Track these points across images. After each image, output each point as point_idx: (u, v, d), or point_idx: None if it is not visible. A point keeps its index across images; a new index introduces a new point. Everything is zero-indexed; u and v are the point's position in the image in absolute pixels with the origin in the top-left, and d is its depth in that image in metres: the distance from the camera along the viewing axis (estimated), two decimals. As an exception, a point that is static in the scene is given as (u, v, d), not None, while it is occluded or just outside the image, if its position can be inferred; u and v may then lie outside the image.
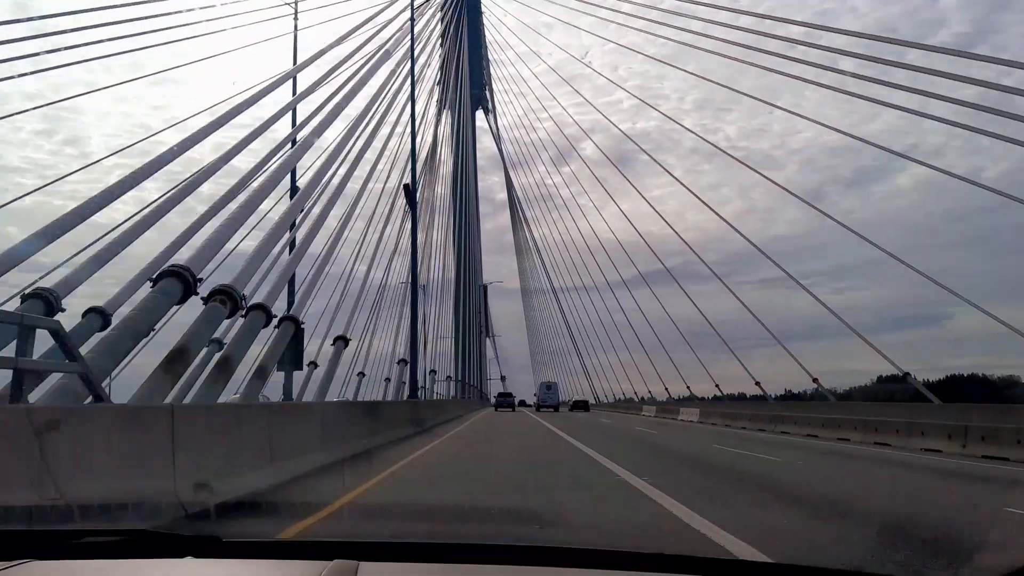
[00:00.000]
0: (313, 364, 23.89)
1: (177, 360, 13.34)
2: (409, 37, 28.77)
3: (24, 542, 2.07)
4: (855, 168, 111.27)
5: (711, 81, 35.80)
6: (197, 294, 13.97)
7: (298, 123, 22.88)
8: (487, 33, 60.77)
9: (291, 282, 22.15)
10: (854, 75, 26.12)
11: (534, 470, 12.26)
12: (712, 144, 41.13)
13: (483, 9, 59.50)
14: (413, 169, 26.78)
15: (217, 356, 16.45)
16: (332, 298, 26.17)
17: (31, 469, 5.23)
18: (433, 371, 41.68)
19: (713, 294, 36.60)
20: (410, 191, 26.19)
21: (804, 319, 33.42)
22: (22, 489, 5.13)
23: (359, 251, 29.06)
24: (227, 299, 14.53)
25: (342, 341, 19.68)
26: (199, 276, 14.17)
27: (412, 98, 27.23)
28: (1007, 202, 21.07)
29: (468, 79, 58.64)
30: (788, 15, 67.70)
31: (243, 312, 15.57)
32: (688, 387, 45.92)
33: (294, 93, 23.34)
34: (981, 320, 21.44)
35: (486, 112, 70.12)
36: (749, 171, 33.28)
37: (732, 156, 39.04)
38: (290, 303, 22.06)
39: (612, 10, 39.91)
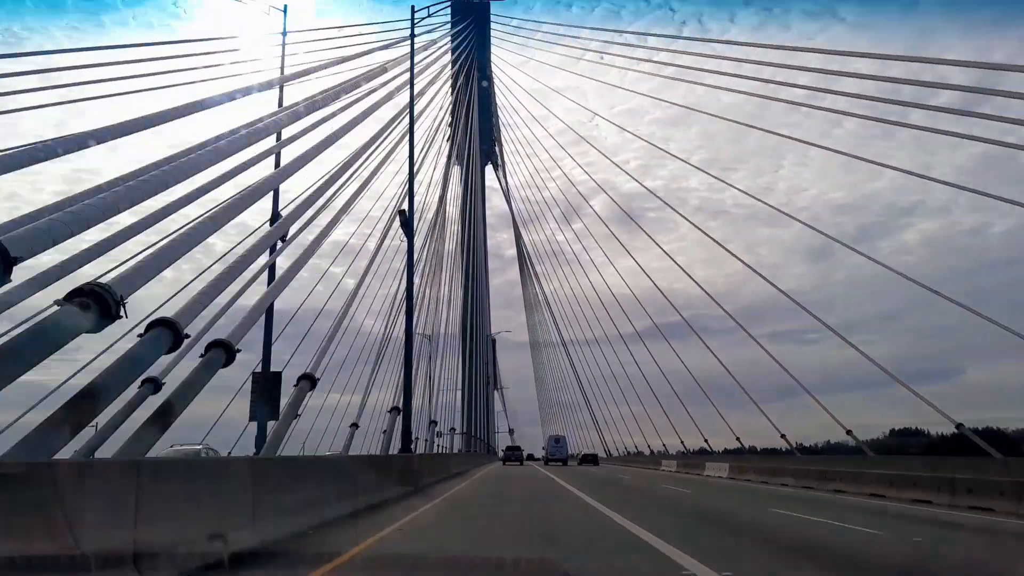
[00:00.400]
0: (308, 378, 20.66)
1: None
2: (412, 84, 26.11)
3: None
4: (861, 225, 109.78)
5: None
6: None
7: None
8: (497, 96, 59.57)
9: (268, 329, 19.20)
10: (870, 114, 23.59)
11: (553, 546, 8.92)
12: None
13: (493, 73, 58.48)
14: (411, 194, 23.91)
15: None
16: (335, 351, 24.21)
17: (48, 520, 5.19)
18: (433, 422, 38.09)
19: (721, 347, 35.13)
20: (405, 217, 23.25)
21: (811, 372, 34.24)
22: (39, 539, 5.07)
23: (359, 301, 26.40)
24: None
25: (307, 381, 16.33)
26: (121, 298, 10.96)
27: (411, 109, 24.53)
28: (1013, 258, 18.83)
29: (478, 134, 57.58)
30: (791, 78, 69.12)
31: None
32: (706, 440, 42.88)
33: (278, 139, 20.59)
34: (994, 375, 19.78)
35: (495, 167, 68.50)
36: (755, 228, 33.85)
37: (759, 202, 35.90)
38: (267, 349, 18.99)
39: (620, 66, 38.96)
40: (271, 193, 20.24)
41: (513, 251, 75.71)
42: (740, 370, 33.73)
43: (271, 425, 18.10)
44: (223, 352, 13.41)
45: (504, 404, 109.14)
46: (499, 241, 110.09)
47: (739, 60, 30.92)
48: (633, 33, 39.92)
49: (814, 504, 16.74)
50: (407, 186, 24.45)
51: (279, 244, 20.37)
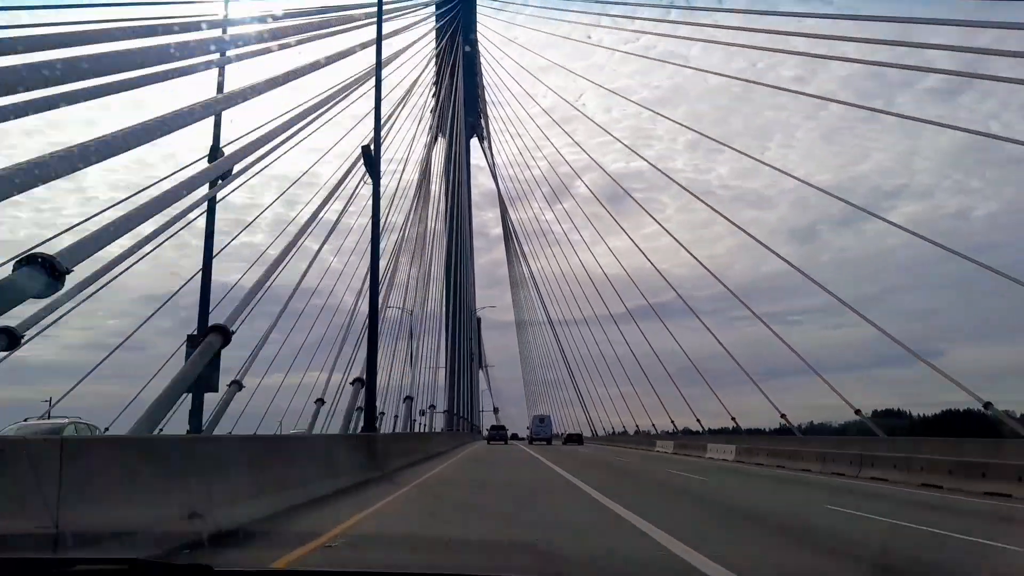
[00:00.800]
0: (237, 384, 17.36)
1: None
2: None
3: (17, 570, 2.35)
4: (846, 207, 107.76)
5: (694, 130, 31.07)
6: None
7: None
8: (484, 72, 56.54)
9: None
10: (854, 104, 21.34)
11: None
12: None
13: (479, 43, 55.34)
14: (377, 127, 20.22)
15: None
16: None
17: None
18: (409, 397, 34.49)
19: (705, 328, 34.68)
20: (370, 155, 19.67)
21: (793, 355, 29.37)
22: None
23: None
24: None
25: (217, 334, 12.70)
26: None
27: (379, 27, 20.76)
28: (997, 241, 18.76)
29: (462, 104, 54.31)
30: (779, 60, 71.91)
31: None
32: (698, 420, 41.47)
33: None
34: (971, 358, 19.07)
35: (480, 139, 64.93)
36: (742, 209, 34.06)
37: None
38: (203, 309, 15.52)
39: (606, 47, 37.44)
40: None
41: (499, 230, 76.64)
42: (727, 351, 33.39)
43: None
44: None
45: (489, 383, 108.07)
46: (485, 220, 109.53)
47: (727, 44, 30.34)
48: (620, 14, 37.57)
49: (874, 498, 13.50)
50: (374, 125, 20.75)
51: (218, 182, 16.90)
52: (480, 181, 71.33)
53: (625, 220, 43.88)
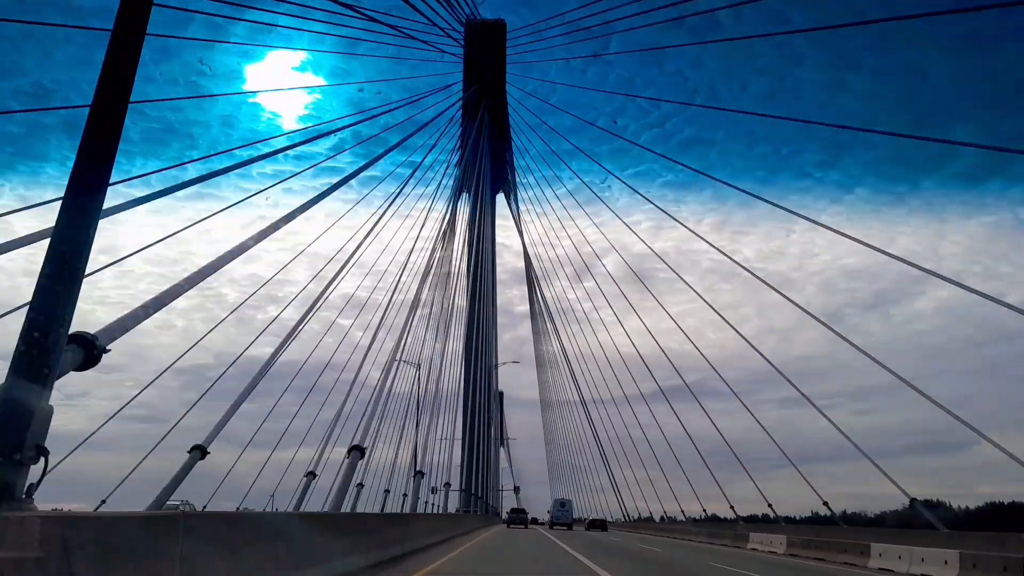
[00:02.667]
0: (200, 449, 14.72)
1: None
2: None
3: None
4: (874, 291, 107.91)
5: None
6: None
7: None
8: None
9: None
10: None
11: None
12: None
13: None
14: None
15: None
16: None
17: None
18: (420, 472, 30.02)
19: (732, 411, 34.55)
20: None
21: (823, 441, 31.73)
22: None
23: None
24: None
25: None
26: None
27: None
28: None
29: (488, 173, 52.53)
30: (803, 145, 70.77)
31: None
32: (732, 507, 39.14)
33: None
34: (1011, 447, 19.82)
35: (507, 197, 63.08)
36: (767, 292, 30.22)
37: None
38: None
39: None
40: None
41: (523, 307, 75.42)
42: (752, 436, 32.49)
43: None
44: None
45: (510, 460, 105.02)
46: (510, 297, 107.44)
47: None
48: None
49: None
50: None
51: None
52: (505, 259, 70.67)
53: (648, 300, 43.01)
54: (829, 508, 29.36)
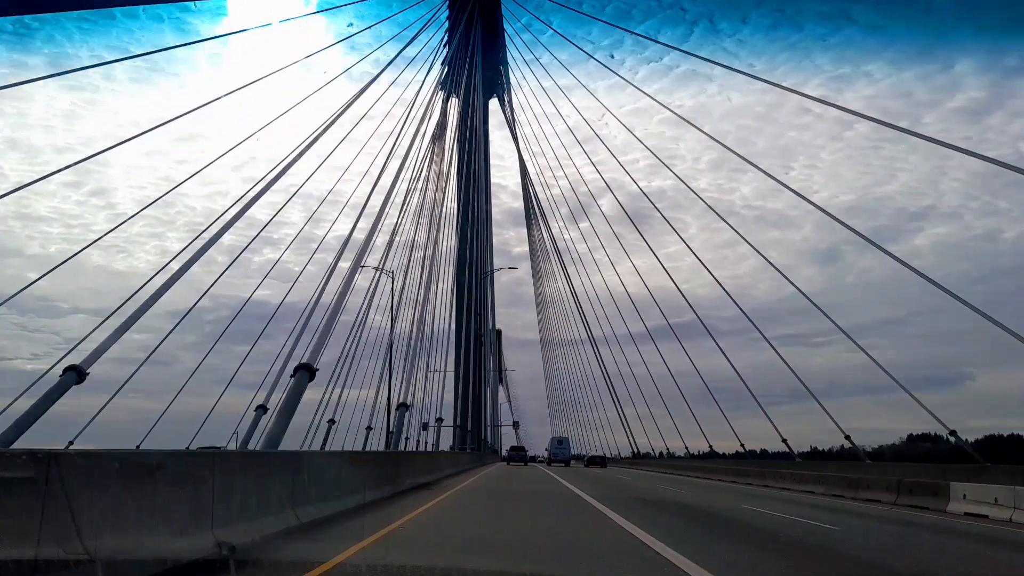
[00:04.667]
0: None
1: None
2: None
3: None
4: (872, 228, 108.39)
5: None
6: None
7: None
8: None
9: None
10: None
11: None
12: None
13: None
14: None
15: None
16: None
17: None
18: (403, 404, 25.69)
19: (729, 350, 34.91)
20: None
21: (818, 376, 32.43)
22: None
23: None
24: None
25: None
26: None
27: None
28: None
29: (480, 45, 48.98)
30: (805, 78, 70.14)
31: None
32: (742, 444, 38.91)
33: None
34: (1005, 382, 18.02)
35: (501, 102, 58.62)
36: (765, 230, 31.68)
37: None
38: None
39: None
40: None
41: (520, 248, 74.92)
42: (747, 373, 33.19)
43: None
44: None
45: (509, 397, 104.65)
46: (506, 238, 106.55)
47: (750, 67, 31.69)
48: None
49: None
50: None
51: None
52: (502, 200, 67.55)
53: (650, 239, 42.32)
54: (851, 442, 28.89)
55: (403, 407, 24.53)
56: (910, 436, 58.26)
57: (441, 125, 46.92)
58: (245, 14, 41.38)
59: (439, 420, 39.25)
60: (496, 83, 55.66)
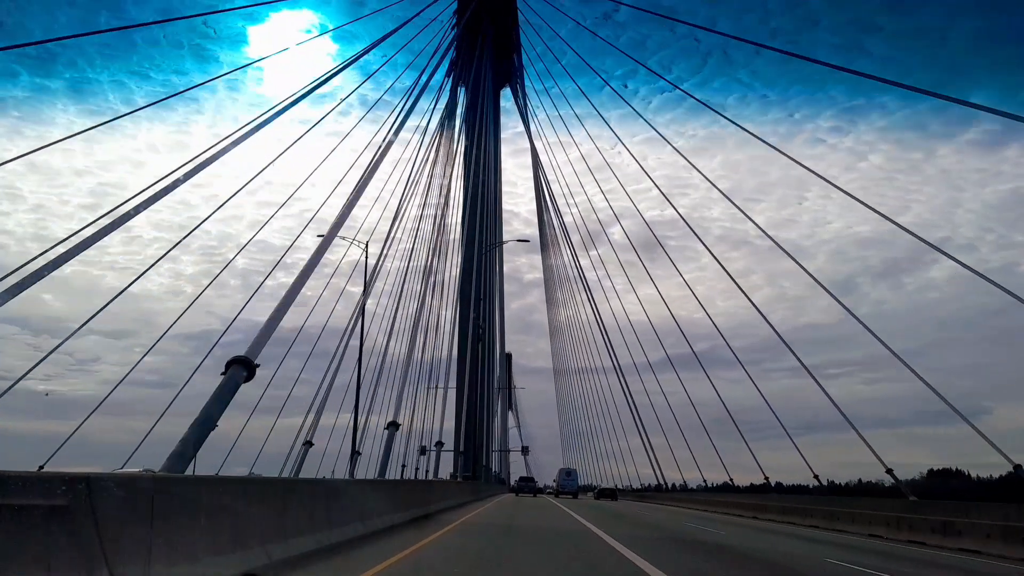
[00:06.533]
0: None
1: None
2: None
3: None
4: (885, 259, 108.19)
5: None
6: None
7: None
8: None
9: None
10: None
11: None
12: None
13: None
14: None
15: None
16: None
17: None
18: (394, 423, 21.87)
19: (741, 378, 33.17)
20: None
21: (830, 409, 27.28)
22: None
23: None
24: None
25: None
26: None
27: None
28: None
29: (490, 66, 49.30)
30: (817, 111, 71.31)
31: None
32: (766, 477, 35.51)
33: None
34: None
35: (514, 90, 57.35)
36: (778, 259, 28.41)
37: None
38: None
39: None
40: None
41: (532, 275, 77.07)
42: (758, 404, 31.72)
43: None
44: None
45: (518, 419, 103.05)
46: (518, 265, 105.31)
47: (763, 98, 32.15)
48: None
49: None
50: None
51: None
52: (514, 227, 69.98)
53: (660, 268, 46.18)
54: (894, 477, 25.95)
55: (392, 426, 20.97)
56: (930, 471, 55.33)
57: (449, 151, 45.76)
58: (262, 39, 40.47)
59: (439, 444, 35.47)
60: (507, 70, 54.83)
